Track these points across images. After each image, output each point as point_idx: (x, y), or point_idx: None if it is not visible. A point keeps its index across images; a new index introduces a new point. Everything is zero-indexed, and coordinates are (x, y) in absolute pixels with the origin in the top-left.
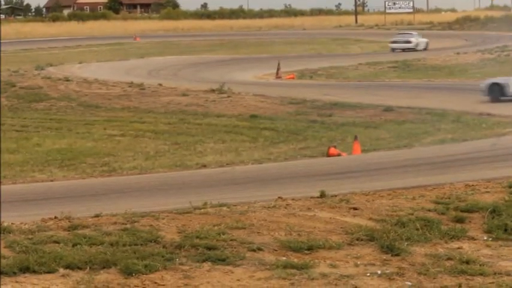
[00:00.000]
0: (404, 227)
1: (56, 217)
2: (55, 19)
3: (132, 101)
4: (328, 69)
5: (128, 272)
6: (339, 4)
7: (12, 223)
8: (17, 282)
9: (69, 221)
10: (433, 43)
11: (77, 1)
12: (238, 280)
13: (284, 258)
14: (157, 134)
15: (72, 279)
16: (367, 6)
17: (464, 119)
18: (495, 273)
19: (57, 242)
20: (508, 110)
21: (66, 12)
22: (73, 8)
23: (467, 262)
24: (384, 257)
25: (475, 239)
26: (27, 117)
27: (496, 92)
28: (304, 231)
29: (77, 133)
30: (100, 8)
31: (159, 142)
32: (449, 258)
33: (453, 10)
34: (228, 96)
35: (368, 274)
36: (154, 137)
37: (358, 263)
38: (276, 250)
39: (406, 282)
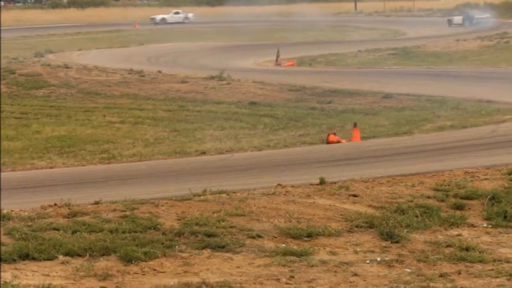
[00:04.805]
0: (403, 214)
1: (55, 204)
2: (54, 6)
3: (132, 88)
4: (327, 56)
5: (128, 259)
6: None
7: (11, 210)
8: (16, 269)
9: (68, 208)
10: (433, 30)
11: None
12: (238, 267)
13: (284, 245)
14: (157, 121)
15: (72, 266)
16: None
17: (464, 106)
18: (494, 260)
19: (57, 229)
20: (508, 96)
21: None
22: None
23: (467, 249)
24: (384, 244)
25: (474, 226)
26: (26, 104)
27: None
28: (303, 218)
29: (76, 120)
30: None
31: (158, 129)
32: (448, 245)
33: None
34: (228, 83)
35: (367, 261)
36: (153, 124)
37: (358, 250)
38: (275, 237)
39: (406, 269)
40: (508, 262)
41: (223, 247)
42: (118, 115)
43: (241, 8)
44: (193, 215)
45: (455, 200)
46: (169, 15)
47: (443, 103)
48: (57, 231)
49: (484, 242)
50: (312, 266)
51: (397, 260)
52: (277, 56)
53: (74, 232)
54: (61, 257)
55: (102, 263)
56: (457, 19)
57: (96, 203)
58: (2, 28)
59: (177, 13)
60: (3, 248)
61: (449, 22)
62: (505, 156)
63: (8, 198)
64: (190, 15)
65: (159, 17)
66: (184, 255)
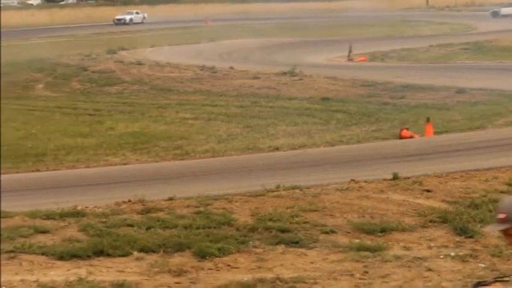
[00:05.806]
0: (477, 209)
1: (129, 200)
2: (126, 3)
3: (204, 84)
4: (399, 52)
5: (202, 255)
6: None
7: (86, 206)
8: (91, 265)
9: (142, 204)
10: (501, 25)
11: None
12: (312, 263)
13: (357, 240)
14: (230, 117)
15: (146, 262)
16: None
17: None
18: None
19: (131, 225)
20: None
21: None
22: None
23: None
24: (457, 239)
25: None
26: (99, 101)
27: None
28: (377, 213)
29: (149, 116)
30: None
31: (231, 125)
32: None
33: None
34: (300, 79)
35: (441, 256)
36: (226, 120)
37: (432, 245)
38: (349, 232)
39: (480, 264)
40: None
41: (297, 243)
42: (191, 111)
43: (310, 4)
44: (267, 210)
45: None
46: (133, 15)
47: None
48: (131, 228)
49: None
50: (386, 261)
51: (471, 255)
52: (349, 51)
53: (148, 228)
54: (135, 253)
55: (176, 259)
56: (506, 10)
57: (170, 199)
58: (74, 25)
59: (137, 13)
60: (77, 244)
61: (495, 14)
62: None
63: (82, 194)
64: (145, 15)
65: (128, 17)
66: (258, 250)
